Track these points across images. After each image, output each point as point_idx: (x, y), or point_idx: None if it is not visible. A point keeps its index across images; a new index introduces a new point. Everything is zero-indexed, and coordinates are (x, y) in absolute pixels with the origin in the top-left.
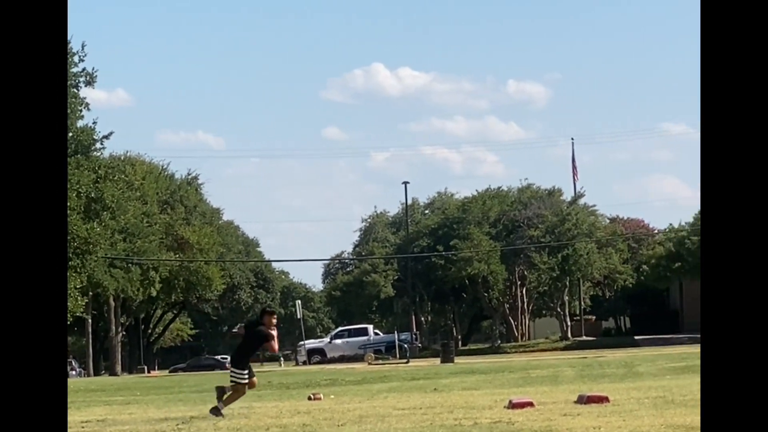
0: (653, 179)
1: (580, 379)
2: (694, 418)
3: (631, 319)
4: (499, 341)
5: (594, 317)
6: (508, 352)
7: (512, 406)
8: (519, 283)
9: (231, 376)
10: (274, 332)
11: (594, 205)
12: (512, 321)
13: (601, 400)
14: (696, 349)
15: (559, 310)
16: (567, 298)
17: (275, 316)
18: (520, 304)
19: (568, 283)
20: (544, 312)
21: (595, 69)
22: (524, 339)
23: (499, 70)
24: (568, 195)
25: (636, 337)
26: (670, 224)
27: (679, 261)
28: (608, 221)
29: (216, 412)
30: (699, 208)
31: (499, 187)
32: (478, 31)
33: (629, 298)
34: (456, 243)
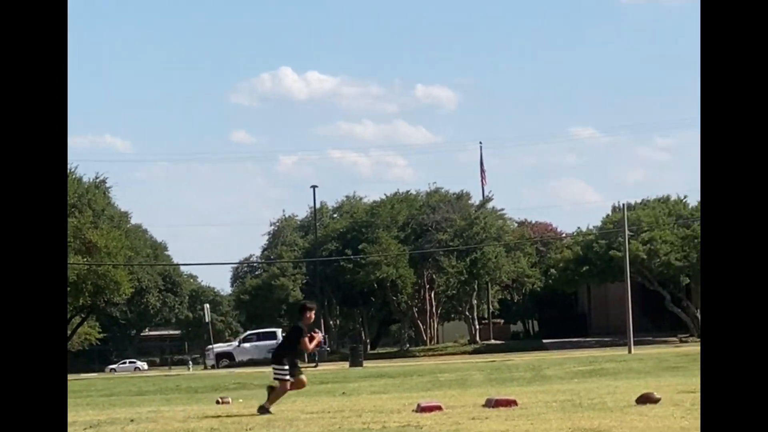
0: (561, 183)
1: (488, 382)
2: (602, 422)
3: (540, 322)
4: (408, 345)
5: (502, 321)
6: (417, 356)
7: (420, 409)
8: (427, 286)
9: (274, 373)
10: (318, 335)
11: (502, 209)
12: (421, 325)
13: (509, 403)
14: (603, 352)
15: (467, 313)
16: (475, 301)
17: (313, 311)
18: (428, 308)
19: (476, 286)
20: (452, 316)
21: (504, 73)
22: (433, 343)
23: (407, 74)
24: (476, 199)
25: (544, 341)
26: (578, 228)
27: (586, 265)
28: (516, 225)
29: (263, 410)
30: (606, 212)
31: (407, 191)
32: (385, 35)
33: (537, 301)
34: (364, 247)
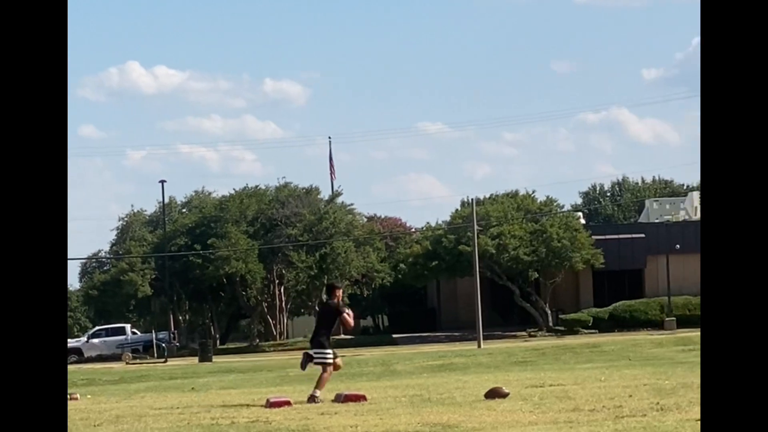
0: (410, 178)
1: (337, 377)
2: (451, 416)
3: (389, 317)
4: (258, 340)
5: None
6: (267, 351)
7: (270, 405)
8: (277, 281)
9: (315, 357)
10: (349, 312)
11: (352, 204)
12: (270, 320)
13: (359, 398)
14: (452, 347)
15: (317, 308)
16: (325, 296)
17: (341, 290)
18: (278, 303)
19: (326, 281)
20: (302, 310)
21: (352, 68)
22: (282, 338)
23: (255, 68)
24: (325, 194)
25: (394, 336)
26: (427, 223)
27: (436, 259)
28: (366, 220)
29: (312, 399)
30: (455, 207)
31: (256, 186)
32: (233, 29)
33: (387, 296)
34: (214, 242)
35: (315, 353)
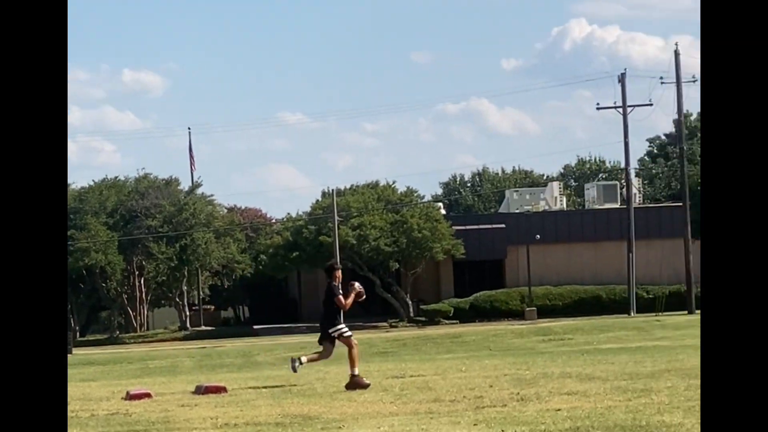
0: (271, 169)
1: (198, 369)
2: (311, 408)
3: (251, 308)
4: (118, 332)
5: (213, 307)
6: (127, 343)
7: (130, 397)
8: (137, 273)
9: (332, 334)
10: (355, 286)
11: (212, 195)
12: (131, 311)
13: (219, 390)
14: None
15: (178, 300)
16: (186, 287)
17: (339, 270)
18: (138, 295)
19: (186, 272)
20: (163, 302)
21: (211, 59)
22: (143, 329)
23: (113, 59)
24: (186, 185)
25: (255, 327)
26: (288, 213)
27: (296, 250)
28: (226, 211)
29: (356, 383)
30: (317, 197)
31: (116, 177)
32: (91, 20)
33: (248, 287)
34: (73, 233)
35: (331, 332)
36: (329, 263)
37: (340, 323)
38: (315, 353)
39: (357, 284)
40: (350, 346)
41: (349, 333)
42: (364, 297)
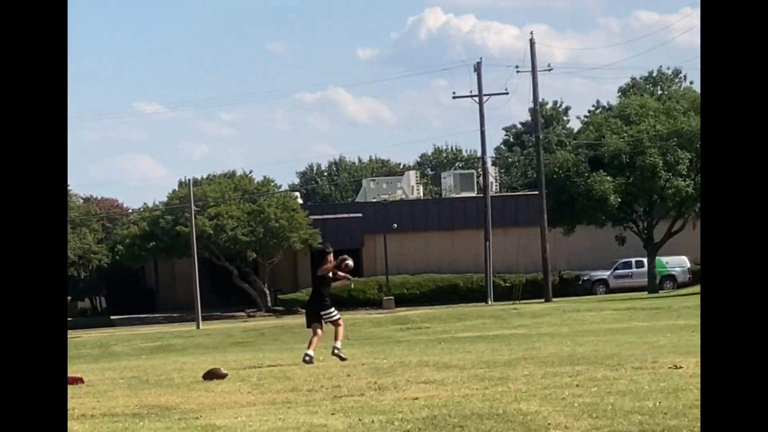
0: (127, 158)
1: None
2: (169, 398)
3: (107, 299)
4: None
5: (70, 298)
6: None
7: None
8: None
9: (324, 318)
10: (334, 261)
11: (68, 185)
12: None
13: (76, 381)
14: (171, 328)
15: None
16: None
17: (331, 254)
18: None
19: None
20: None
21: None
22: None
23: None
24: None
25: (112, 317)
26: (145, 203)
27: (153, 240)
28: (82, 201)
29: (338, 355)
30: (173, 187)
31: None
32: None
33: (104, 277)
34: None
35: (323, 315)
36: (321, 248)
37: (330, 307)
38: (313, 339)
39: (347, 257)
40: (337, 326)
41: (337, 316)
42: (350, 265)
